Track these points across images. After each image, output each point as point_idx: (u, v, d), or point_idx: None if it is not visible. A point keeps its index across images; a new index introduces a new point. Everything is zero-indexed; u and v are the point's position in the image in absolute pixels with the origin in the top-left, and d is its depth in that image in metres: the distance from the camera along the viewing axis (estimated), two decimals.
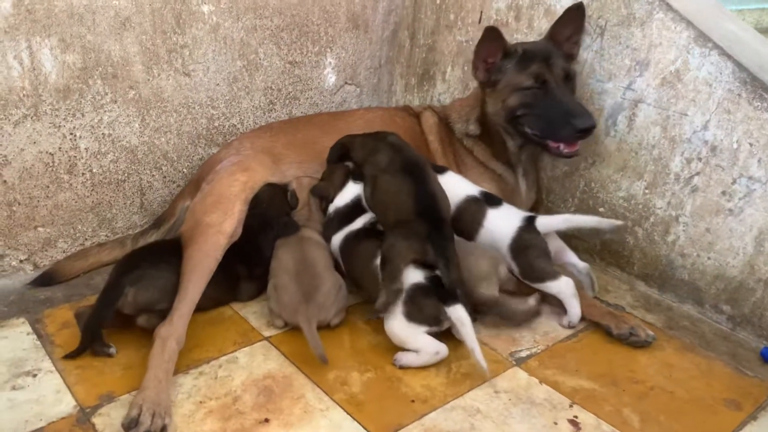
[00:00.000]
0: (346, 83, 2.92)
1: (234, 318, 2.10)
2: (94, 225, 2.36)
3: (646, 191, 2.29)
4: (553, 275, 2.05)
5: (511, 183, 2.44)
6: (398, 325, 1.87)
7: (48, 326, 2.00)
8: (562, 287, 2.05)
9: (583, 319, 2.11)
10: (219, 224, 2.04)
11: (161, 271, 1.92)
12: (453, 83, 2.90)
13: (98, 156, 2.28)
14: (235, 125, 2.61)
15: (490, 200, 2.17)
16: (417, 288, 1.86)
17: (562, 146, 2.18)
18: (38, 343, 1.92)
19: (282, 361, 1.90)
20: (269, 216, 2.16)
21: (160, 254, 2.02)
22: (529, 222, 2.09)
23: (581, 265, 2.15)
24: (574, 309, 2.06)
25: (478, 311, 1.99)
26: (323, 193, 2.24)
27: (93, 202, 2.33)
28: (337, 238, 2.17)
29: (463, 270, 1.94)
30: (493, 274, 2.01)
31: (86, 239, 2.36)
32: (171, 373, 1.75)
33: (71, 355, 1.83)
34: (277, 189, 2.23)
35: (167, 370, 1.74)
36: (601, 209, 2.44)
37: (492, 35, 2.21)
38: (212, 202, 2.11)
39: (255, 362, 1.89)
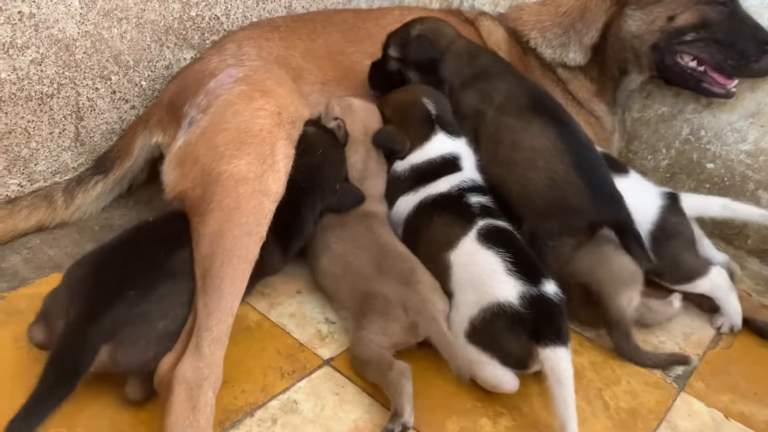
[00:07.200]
0: None
1: (264, 327, 1.34)
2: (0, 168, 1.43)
3: None
4: (703, 270, 1.50)
5: (608, 129, 1.85)
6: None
7: None
8: (715, 282, 1.50)
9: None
10: (256, 177, 1.24)
11: (162, 301, 1.09)
12: None
13: (11, 51, 1.33)
14: (218, 17, 1.72)
15: (614, 165, 1.55)
16: (500, 311, 1.19)
17: (732, 84, 1.64)
18: None
19: (368, 402, 1.21)
20: (324, 175, 1.39)
21: (156, 258, 1.13)
22: (672, 200, 1.52)
23: (720, 258, 1.63)
24: (733, 306, 1.53)
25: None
26: (393, 146, 1.48)
27: (0, 129, 1.39)
28: (407, 203, 1.45)
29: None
30: (639, 278, 1.42)
31: None
32: None
33: None
34: (332, 135, 1.45)
35: None
36: (709, 165, 1.91)
37: None
38: (231, 142, 1.28)
39: (327, 408, 1.18)
